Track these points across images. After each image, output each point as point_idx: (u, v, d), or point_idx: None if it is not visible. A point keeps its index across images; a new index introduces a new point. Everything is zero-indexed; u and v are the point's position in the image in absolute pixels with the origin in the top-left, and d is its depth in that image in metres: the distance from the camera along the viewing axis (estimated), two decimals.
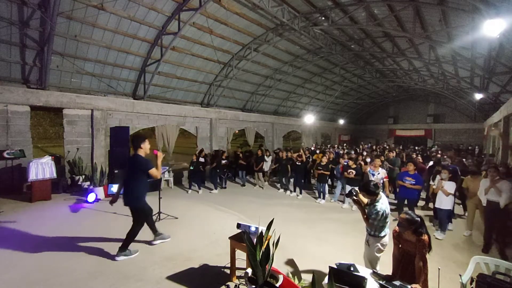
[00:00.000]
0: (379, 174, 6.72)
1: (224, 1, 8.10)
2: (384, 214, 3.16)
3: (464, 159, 9.57)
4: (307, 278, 3.65)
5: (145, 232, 4.62)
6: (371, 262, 3.37)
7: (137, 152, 3.77)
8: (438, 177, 5.83)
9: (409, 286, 2.65)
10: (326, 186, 8.31)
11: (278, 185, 9.93)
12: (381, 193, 3.32)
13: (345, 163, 7.82)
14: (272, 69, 13.52)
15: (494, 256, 3.43)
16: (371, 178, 6.69)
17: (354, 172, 7.35)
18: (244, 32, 10.14)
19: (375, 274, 2.80)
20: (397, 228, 3.00)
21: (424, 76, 15.43)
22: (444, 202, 5.42)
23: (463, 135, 22.20)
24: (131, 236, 3.78)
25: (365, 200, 3.37)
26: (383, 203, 3.20)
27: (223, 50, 10.72)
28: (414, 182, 6.03)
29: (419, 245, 2.74)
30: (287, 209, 7.36)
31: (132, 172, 3.76)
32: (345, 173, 7.53)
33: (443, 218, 5.49)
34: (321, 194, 8.13)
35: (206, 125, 12.32)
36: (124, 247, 3.75)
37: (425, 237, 2.75)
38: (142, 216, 3.88)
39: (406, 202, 6.16)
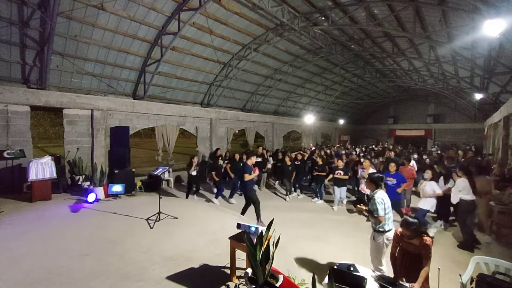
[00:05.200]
0: None
1: (224, 1, 8.10)
2: (384, 202, 3.39)
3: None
4: (307, 278, 3.65)
5: (145, 234, 4.63)
6: (377, 257, 3.46)
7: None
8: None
9: (408, 285, 2.66)
10: (323, 186, 8.32)
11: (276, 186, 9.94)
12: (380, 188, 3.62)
13: (333, 165, 7.92)
14: (272, 69, 13.52)
15: (494, 256, 3.43)
16: (363, 179, 6.77)
17: (342, 172, 7.38)
18: (244, 32, 10.14)
19: (380, 277, 2.79)
20: (398, 231, 3.02)
21: (424, 76, 15.43)
22: (423, 202, 5.40)
23: (463, 135, 22.17)
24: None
25: (363, 207, 3.67)
26: (381, 194, 3.48)
27: (223, 50, 10.72)
28: (395, 182, 6.01)
29: (425, 249, 2.77)
30: (287, 209, 7.37)
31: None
32: (334, 174, 7.58)
33: (420, 218, 5.38)
34: (318, 194, 8.15)
35: (206, 125, 12.32)
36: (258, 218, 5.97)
37: (429, 240, 2.77)
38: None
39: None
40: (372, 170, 6.82)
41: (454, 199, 5.38)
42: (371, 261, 3.58)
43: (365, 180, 6.63)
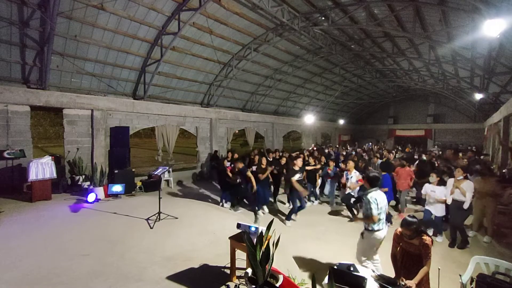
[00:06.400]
0: (352, 178, 6.56)
1: (224, 1, 8.10)
2: (377, 202, 3.37)
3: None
4: (307, 278, 3.66)
5: (145, 234, 4.63)
6: (364, 255, 3.53)
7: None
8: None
9: (403, 283, 2.66)
10: (317, 187, 8.29)
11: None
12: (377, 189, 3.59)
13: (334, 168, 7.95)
14: (272, 69, 13.51)
15: (494, 256, 3.43)
16: (347, 181, 6.64)
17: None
18: (244, 32, 10.14)
19: (380, 277, 2.79)
20: (398, 230, 3.02)
21: (424, 76, 15.42)
22: (436, 208, 5.23)
23: (463, 135, 22.18)
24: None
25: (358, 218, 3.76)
26: (374, 194, 3.45)
27: (223, 50, 10.71)
28: None
29: (424, 248, 2.77)
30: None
31: None
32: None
33: (438, 224, 5.32)
34: (312, 195, 8.17)
35: (206, 125, 12.32)
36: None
37: (428, 239, 2.77)
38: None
39: None
40: (354, 173, 6.62)
41: (467, 204, 5.02)
42: (356, 256, 3.65)
43: (349, 182, 6.58)
